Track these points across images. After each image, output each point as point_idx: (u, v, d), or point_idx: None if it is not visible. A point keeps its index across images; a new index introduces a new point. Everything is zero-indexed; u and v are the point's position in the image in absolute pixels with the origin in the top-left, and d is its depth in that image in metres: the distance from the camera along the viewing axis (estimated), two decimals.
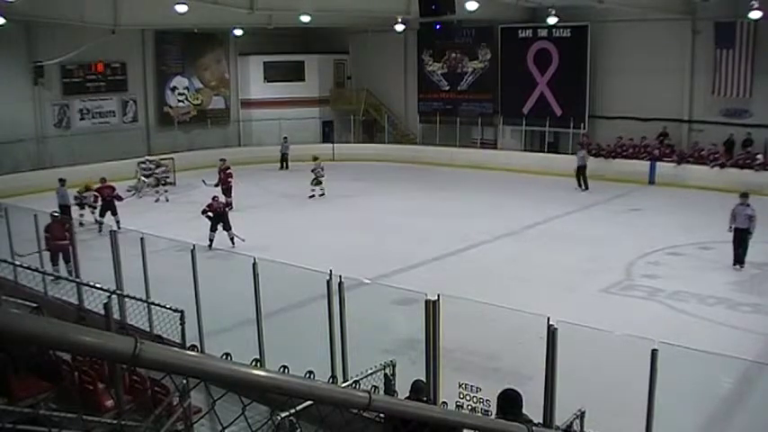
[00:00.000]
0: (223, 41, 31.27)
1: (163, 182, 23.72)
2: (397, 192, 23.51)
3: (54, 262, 13.28)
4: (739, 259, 14.48)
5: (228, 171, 21.23)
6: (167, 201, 22.52)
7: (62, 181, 18.76)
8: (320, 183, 22.58)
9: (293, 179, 25.71)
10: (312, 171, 22.63)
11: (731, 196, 21.34)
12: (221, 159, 22.31)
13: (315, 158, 23.08)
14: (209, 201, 17.13)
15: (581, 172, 23.49)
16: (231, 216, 17.34)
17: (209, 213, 16.78)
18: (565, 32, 26.53)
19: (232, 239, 16.60)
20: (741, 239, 14.40)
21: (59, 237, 13.19)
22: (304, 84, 32.21)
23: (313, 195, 22.49)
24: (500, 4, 24.22)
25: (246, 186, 23.98)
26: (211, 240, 16.29)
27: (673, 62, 24.44)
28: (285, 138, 29.31)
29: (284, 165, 28.94)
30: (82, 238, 12.34)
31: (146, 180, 23.92)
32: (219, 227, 16.64)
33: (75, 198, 18.87)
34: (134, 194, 23.15)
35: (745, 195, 14.72)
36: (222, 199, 18.58)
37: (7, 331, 1.41)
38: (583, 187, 23.41)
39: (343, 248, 15.88)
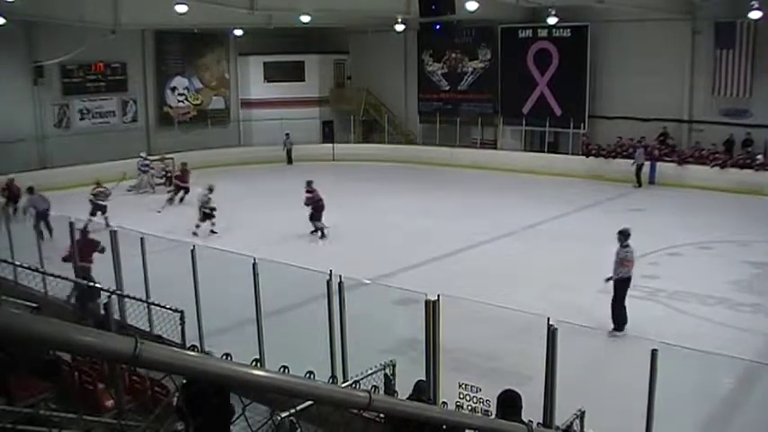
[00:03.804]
0: (223, 41, 31.28)
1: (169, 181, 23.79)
2: (397, 192, 23.49)
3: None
4: (619, 322, 11.09)
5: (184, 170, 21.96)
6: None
7: (31, 189, 17.73)
8: (103, 211, 18.22)
9: (291, 178, 25.66)
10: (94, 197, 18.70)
11: (731, 196, 21.54)
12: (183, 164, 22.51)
13: (97, 183, 19.00)
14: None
15: (640, 170, 23.53)
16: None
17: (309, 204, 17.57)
18: (565, 32, 26.53)
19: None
20: (623, 293, 11.20)
21: (85, 257, 11.85)
22: (304, 84, 32.21)
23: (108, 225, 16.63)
24: (500, 4, 24.21)
25: (245, 186, 24.05)
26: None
27: (673, 62, 24.43)
28: (287, 134, 29.86)
29: (290, 160, 29.81)
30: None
31: (146, 176, 24.10)
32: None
33: (91, 201, 18.33)
34: (140, 192, 23.40)
35: (625, 234, 11.41)
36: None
37: (7, 331, 1.41)
38: (637, 185, 23.49)
39: (343, 249, 15.87)
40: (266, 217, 19.88)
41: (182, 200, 21.60)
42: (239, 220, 19.12)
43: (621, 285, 11.17)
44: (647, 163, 23.96)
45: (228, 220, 18.41)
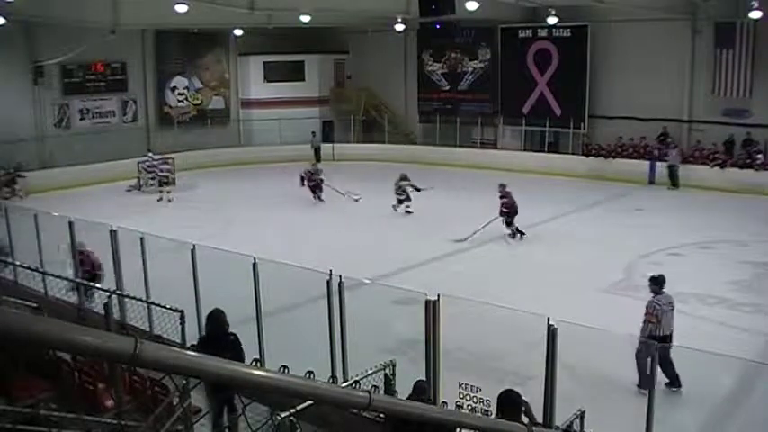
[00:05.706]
0: (223, 41, 31.24)
1: (165, 181, 23.88)
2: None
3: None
4: (673, 381, 8.90)
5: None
6: (170, 201, 22.60)
7: None
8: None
9: (290, 179, 25.70)
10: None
11: (731, 196, 21.53)
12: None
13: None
14: None
15: (674, 171, 23.31)
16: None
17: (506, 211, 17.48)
18: (565, 32, 26.52)
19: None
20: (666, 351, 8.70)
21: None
22: (304, 84, 32.17)
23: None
24: (500, 4, 24.19)
25: (244, 186, 24.03)
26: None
27: (673, 62, 24.42)
28: (313, 132, 30.11)
29: (318, 158, 29.48)
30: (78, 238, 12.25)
31: (148, 174, 24.14)
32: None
33: None
34: (137, 191, 23.46)
35: (659, 281, 9.41)
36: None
37: (7, 331, 1.41)
38: (672, 186, 23.26)
39: (344, 248, 15.87)
40: (264, 217, 19.86)
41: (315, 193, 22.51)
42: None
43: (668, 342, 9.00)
44: (648, 163, 23.98)
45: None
